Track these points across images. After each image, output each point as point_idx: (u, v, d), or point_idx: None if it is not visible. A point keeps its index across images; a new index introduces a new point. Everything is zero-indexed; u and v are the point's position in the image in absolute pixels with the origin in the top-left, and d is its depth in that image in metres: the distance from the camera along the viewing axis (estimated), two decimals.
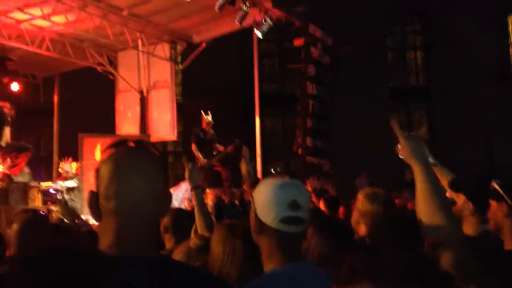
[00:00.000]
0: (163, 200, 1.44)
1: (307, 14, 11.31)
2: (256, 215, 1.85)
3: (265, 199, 1.83)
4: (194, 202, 3.29)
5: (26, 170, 9.60)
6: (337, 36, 12.84)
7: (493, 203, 2.36)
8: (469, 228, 2.50)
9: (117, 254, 1.33)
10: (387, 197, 2.81)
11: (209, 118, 10.67)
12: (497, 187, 2.36)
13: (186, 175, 3.41)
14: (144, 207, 1.38)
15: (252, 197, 1.90)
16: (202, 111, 10.77)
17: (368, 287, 0.94)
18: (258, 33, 10.30)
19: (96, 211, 1.41)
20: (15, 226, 2.84)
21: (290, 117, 17.46)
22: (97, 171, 1.41)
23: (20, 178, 9.15)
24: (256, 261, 1.92)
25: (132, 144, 1.44)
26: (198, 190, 3.31)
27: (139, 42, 11.72)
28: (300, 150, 11.48)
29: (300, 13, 11.05)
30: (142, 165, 1.41)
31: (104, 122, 13.55)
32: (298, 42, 11.35)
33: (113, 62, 12.84)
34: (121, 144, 1.44)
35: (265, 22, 10.04)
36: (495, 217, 2.36)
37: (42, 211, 3.81)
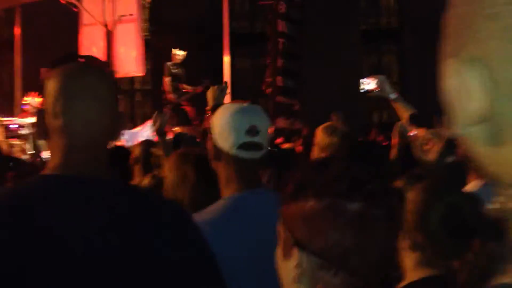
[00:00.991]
0: (115, 121, 1.38)
1: None
2: (213, 141, 1.81)
3: (222, 124, 1.79)
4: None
5: None
6: None
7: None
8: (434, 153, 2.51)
9: (62, 174, 1.28)
10: (345, 130, 2.82)
11: (180, 53, 10.52)
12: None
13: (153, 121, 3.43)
14: (93, 126, 1.32)
15: (210, 123, 1.86)
16: (172, 48, 10.61)
17: (312, 203, 0.91)
18: None
19: (43, 129, 1.35)
20: None
21: (260, 57, 17.28)
22: (44, 87, 1.35)
23: None
24: (210, 187, 1.92)
25: (81, 60, 1.37)
26: (162, 137, 3.35)
27: None
28: (270, 89, 11.44)
29: None
30: (92, 82, 1.34)
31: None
32: None
33: None
34: (69, 59, 1.37)
35: None
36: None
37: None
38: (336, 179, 0.91)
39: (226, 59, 11.36)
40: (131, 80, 15.79)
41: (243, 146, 1.77)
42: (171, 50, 10.87)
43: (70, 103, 1.30)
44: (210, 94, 2.74)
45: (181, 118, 11.18)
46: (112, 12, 12.05)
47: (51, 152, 1.34)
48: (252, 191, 1.81)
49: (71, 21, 12.85)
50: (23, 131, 9.76)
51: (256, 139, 1.77)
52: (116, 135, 1.42)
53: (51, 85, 1.32)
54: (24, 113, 10.70)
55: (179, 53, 10.67)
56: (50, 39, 14.62)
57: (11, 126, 9.70)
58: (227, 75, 11.40)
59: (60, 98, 1.30)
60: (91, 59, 1.39)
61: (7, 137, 9.36)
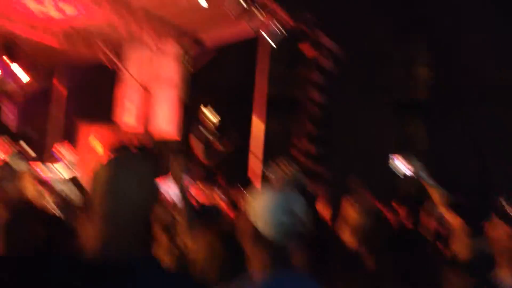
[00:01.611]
0: (152, 197, 1.49)
1: (316, 21, 11.40)
2: (249, 221, 1.91)
3: (261, 207, 1.89)
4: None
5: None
6: (345, 45, 12.90)
7: (498, 222, 2.24)
8: (464, 248, 2.45)
9: (102, 256, 1.38)
10: (376, 210, 2.85)
11: (213, 117, 10.85)
12: (504, 204, 2.27)
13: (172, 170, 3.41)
14: (132, 210, 1.43)
15: (246, 202, 1.97)
16: (206, 110, 10.91)
17: None
18: (267, 38, 10.44)
19: (87, 211, 1.46)
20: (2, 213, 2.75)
21: (292, 122, 17.51)
22: (94, 173, 1.47)
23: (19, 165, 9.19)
24: (238, 264, 1.97)
25: (131, 150, 1.50)
26: (182, 186, 3.32)
27: (148, 38, 11.80)
28: (298, 155, 11.56)
29: (309, 20, 11.16)
30: (139, 169, 1.46)
31: (105, 114, 13.61)
32: (305, 47, 11.44)
33: (120, 56, 12.90)
34: (119, 148, 1.51)
35: (275, 28, 10.18)
36: (497, 237, 2.26)
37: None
38: None
39: (259, 123, 11.58)
40: (164, 139, 16.07)
41: (279, 229, 1.86)
42: (204, 113, 11.20)
43: (115, 189, 1.43)
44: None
45: (207, 177, 11.33)
46: (152, 73, 12.56)
47: (92, 232, 1.46)
48: (286, 273, 1.86)
49: (111, 81, 13.40)
50: (53, 182, 10.00)
51: (292, 222, 1.87)
52: (152, 208, 1.54)
53: (100, 172, 1.46)
54: (55, 162, 11.04)
55: (212, 117, 11.02)
56: (88, 94, 15.19)
57: (42, 175, 9.95)
58: (260, 138, 11.59)
59: (106, 185, 1.44)
60: (139, 149, 1.52)
61: (38, 186, 9.57)
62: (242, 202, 6.36)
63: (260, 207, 1.87)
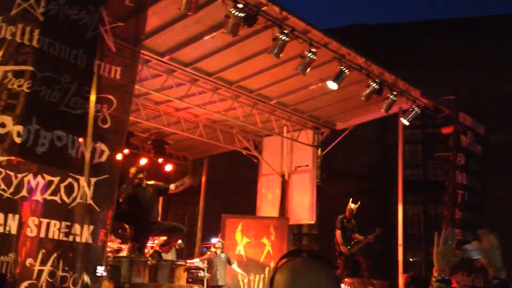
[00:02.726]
0: None
1: (457, 102, 11.02)
2: None
3: None
4: None
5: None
6: (490, 124, 12.27)
7: None
8: None
9: None
10: None
11: (354, 207, 10.79)
12: None
13: None
14: None
15: None
16: (350, 200, 10.88)
17: None
18: (404, 121, 10.23)
19: None
20: None
21: (432, 205, 16.69)
22: (271, 279, 1.46)
23: (168, 255, 9.60)
24: None
25: (305, 255, 1.47)
26: None
27: (284, 128, 12.20)
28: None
29: (450, 102, 10.80)
30: (316, 278, 1.43)
31: (245, 203, 13.98)
32: (447, 130, 11.00)
33: (258, 147, 13.40)
34: (295, 254, 1.48)
35: (412, 110, 9.97)
36: None
37: None
38: None
39: (400, 208, 11.12)
40: (299, 224, 16.04)
41: None
42: (346, 202, 11.09)
43: None
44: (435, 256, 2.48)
45: (352, 269, 10.99)
46: (289, 163, 12.83)
47: None
48: None
49: (250, 171, 13.89)
50: (201, 274, 10.28)
51: None
52: None
53: (279, 278, 1.43)
54: (203, 255, 11.37)
55: (353, 206, 10.92)
56: (230, 186, 15.84)
57: (191, 269, 10.23)
58: (400, 224, 11.10)
59: None
60: (313, 254, 1.48)
61: (187, 280, 9.86)
62: None
63: None
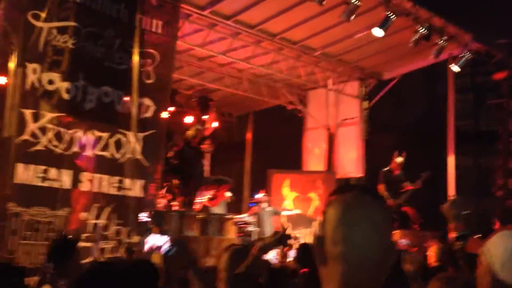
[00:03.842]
0: (390, 250, 1.36)
1: (511, 45, 10.49)
2: (492, 273, 1.65)
3: (507, 255, 1.63)
4: None
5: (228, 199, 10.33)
6: None
7: None
8: None
9: None
10: None
11: (401, 159, 10.52)
12: None
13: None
14: (372, 255, 1.32)
15: (486, 250, 1.71)
16: (395, 152, 10.63)
17: None
18: (454, 68, 9.84)
19: (321, 255, 1.38)
20: (225, 257, 3.04)
21: (485, 156, 16.21)
22: (324, 214, 1.39)
23: (221, 209, 9.78)
24: None
25: (357, 189, 1.40)
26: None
27: (329, 81, 11.97)
28: (500, 192, 10.53)
29: (503, 45, 10.30)
30: (369, 211, 1.35)
31: (291, 158, 13.95)
32: (499, 75, 10.53)
33: (302, 101, 13.26)
34: (346, 189, 1.41)
35: (462, 56, 9.57)
36: None
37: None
38: None
39: (451, 159, 10.85)
40: (347, 178, 15.92)
41: None
42: (392, 155, 10.84)
43: (349, 231, 1.32)
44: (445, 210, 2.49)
45: (399, 221, 10.86)
46: (335, 116, 12.66)
47: (326, 278, 1.36)
48: None
49: (295, 125, 13.81)
50: (250, 228, 10.42)
51: None
52: (390, 265, 1.39)
53: (331, 213, 1.36)
54: (251, 210, 11.51)
55: (398, 158, 10.66)
56: (275, 141, 15.81)
57: (240, 223, 10.39)
58: (451, 175, 10.85)
59: (339, 227, 1.33)
60: (368, 189, 1.41)
61: (237, 233, 10.03)
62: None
63: (503, 255, 1.58)
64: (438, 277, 2.25)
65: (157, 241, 7.01)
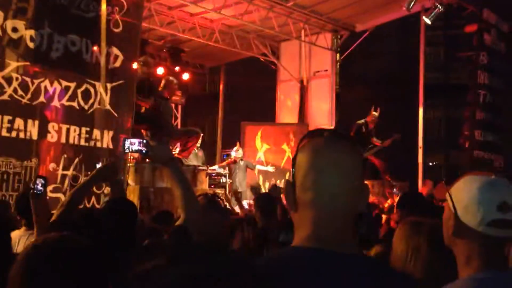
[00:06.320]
0: (361, 193, 1.38)
1: None
2: (456, 216, 1.70)
3: (469, 198, 1.67)
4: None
5: (200, 153, 10.33)
6: None
7: None
8: None
9: (313, 247, 1.30)
10: None
11: (376, 114, 10.69)
12: None
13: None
14: (342, 200, 1.32)
15: (450, 194, 1.76)
16: (372, 106, 10.78)
17: None
18: (426, 20, 9.84)
19: (292, 201, 1.38)
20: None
21: (453, 108, 16.48)
22: (294, 160, 1.39)
23: (194, 161, 9.81)
24: (442, 262, 1.80)
25: (328, 134, 1.40)
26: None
27: (302, 32, 11.87)
28: (467, 143, 10.75)
29: None
30: (339, 156, 1.35)
31: (264, 110, 13.98)
32: (470, 28, 10.57)
33: (275, 53, 13.16)
34: (317, 134, 1.41)
35: (435, 8, 9.55)
36: None
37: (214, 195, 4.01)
38: None
39: (421, 111, 11.01)
40: None
41: (493, 223, 1.63)
42: (367, 108, 10.98)
43: (319, 177, 1.33)
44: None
45: (369, 172, 11.07)
46: (308, 68, 12.63)
47: (298, 224, 1.37)
48: (499, 272, 1.65)
49: (268, 77, 13.75)
50: (223, 180, 10.52)
51: (508, 216, 1.63)
52: (362, 207, 1.41)
53: (301, 159, 1.36)
54: (223, 162, 11.58)
55: (374, 113, 10.83)
56: (248, 94, 15.78)
57: (213, 175, 10.49)
58: (420, 127, 11.04)
59: (310, 172, 1.33)
60: (337, 133, 1.41)
61: (210, 185, 10.13)
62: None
63: (466, 199, 1.64)
64: (405, 220, 2.32)
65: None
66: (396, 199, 5.75)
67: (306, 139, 1.42)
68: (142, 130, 8.73)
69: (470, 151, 10.73)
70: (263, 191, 9.82)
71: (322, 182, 1.34)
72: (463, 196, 1.69)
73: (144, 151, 2.94)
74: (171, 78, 9.38)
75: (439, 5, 9.53)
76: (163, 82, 9.06)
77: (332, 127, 12.81)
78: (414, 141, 11.35)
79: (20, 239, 3.29)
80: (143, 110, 8.70)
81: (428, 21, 9.82)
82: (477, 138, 10.69)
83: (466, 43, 11.52)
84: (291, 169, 1.40)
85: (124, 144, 2.95)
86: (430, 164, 16.69)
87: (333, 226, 1.33)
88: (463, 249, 1.69)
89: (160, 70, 12.05)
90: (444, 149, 17.08)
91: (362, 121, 11.09)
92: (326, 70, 12.45)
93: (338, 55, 12.63)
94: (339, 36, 12.33)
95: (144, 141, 2.97)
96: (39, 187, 3.00)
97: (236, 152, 10.85)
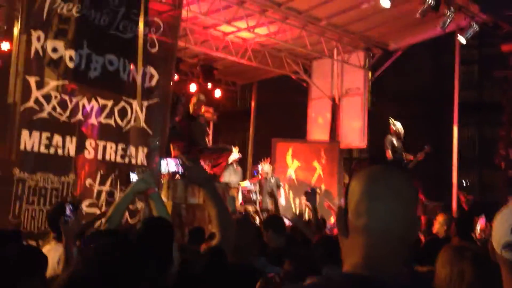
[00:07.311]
0: (414, 225, 1.37)
1: None
2: (494, 246, 1.70)
3: (503, 231, 1.67)
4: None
5: (238, 169, 10.44)
6: None
7: None
8: None
9: (364, 274, 1.30)
10: None
11: (397, 124, 10.43)
12: None
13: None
14: (396, 229, 1.32)
15: (492, 226, 1.76)
16: (390, 118, 10.60)
17: None
18: (461, 39, 9.76)
19: (343, 227, 1.38)
20: None
21: (488, 127, 16.18)
22: (348, 186, 1.40)
23: (232, 176, 9.91)
24: (486, 285, 1.78)
25: (384, 163, 1.41)
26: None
27: (335, 51, 11.90)
28: (503, 163, 10.56)
29: (511, 17, 10.17)
30: (396, 185, 1.35)
31: (295, 128, 13.97)
32: (507, 47, 10.43)
33: (307, 70, 13.19)
34: (373, 161, 1.42)
35: (470, 27, 9.47)
36: None
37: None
38: None
39: (455, 130, 10.80)
40: (350, 149, 15.93)
41: (508, 246, 1.62)
42: (392, 121, 10.80)
43: (375, 203, 1.32)
44: None
45: None
46: (340, 86, 12.62)
47: (348, 249, 1.37)
48: None
49: (300, 95, 13.77)
50: (253, 196, 10.53)
51: None
52: (414, 238, 1.41)
53: (356, 185, 1.36)
54: (254, 178, 11.60)
55: (395, 124, 10.55)
56: (280, 111, 15.79)
57: (244, 191, 10.51)
58: (455, 146, 10.83)
59: (364, 199, 1.33)
60: (393, 163, 1.42)
61: (240, 201, 10.17)
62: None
63: (499, 228, 1.65)
64: (449, 245, 2.30)
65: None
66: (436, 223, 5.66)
67: (362, 167, 1.45)
68: (171, 146, 8.86)
69: (505, 171, 10.56)
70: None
71: (378, 209, 1.34)
72: (498, 228, 1.69)
73: (181, 172, 3.02)
74: (202, 95, 9.58)
75: (474, 24, 9.45)
76: (194, 100, 9.27)
77: (363, 146, 12.74)
78: (446, 160, 11.14)
79: (50, 252, 3.36)
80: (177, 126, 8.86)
81: (463, 41, 9.74)
82: (511, 158, 10.50)
83: (501, 62, 11.33)
84: (344, 196, 1.42)
85: (159, 163, 3.01)
86: (464, 184, 16.35)
87: (385, 254, 1.32)
88: (502, 271, 1.69)
89: (192, 87, 12.21)
90: (477, 168, 16.71)
91: (390, 137, 10.82)
92: (358, 88, 12.41)
93: (370, 73, 12.58)
94: (371, 55, 12.29)
95: (180, 162, 3.04)
96: (68, 213, 3.09)
97: (262, 168, 10.75)
